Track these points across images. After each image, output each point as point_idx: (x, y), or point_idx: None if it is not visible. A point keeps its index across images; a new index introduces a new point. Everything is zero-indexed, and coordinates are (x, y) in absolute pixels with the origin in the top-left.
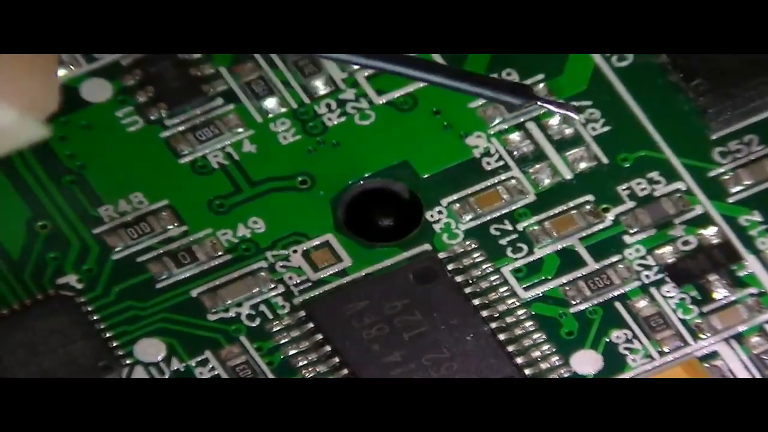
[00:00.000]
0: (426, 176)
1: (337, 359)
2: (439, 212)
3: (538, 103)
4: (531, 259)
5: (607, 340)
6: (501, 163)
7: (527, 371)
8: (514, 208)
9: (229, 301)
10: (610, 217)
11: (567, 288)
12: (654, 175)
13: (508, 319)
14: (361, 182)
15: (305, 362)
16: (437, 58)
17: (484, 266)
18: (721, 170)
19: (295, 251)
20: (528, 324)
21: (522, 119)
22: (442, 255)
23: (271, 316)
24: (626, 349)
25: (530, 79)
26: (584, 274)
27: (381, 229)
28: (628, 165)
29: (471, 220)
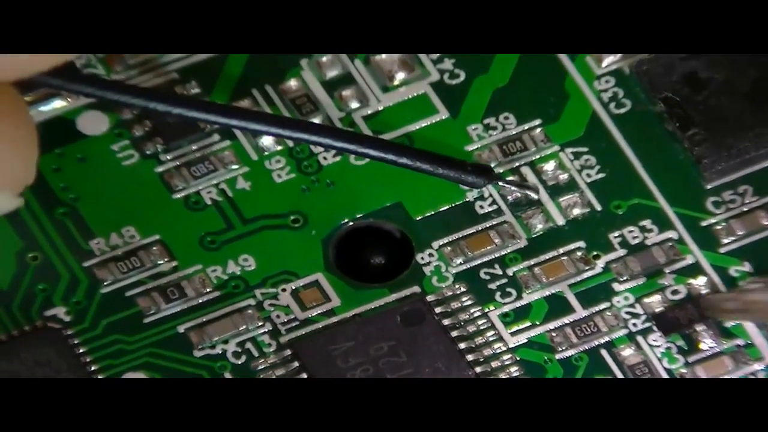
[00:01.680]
0: (419, 218)
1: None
2: (430, 255)
3: (499, 183)
4: (519, 304)
5: None
6: (494, 207)
7: None
8: (504, 252)
9: (216, 338)
10: (600, 264)
11: (554, 334)
12: (647, 223)
13: (494, 364)
14: (353, 222)
15: None
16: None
17: (472, 310)
18: (714, 220)
19: (284, 290)
20: (513, 369)
21: (517, 164)
22: (430, 298)
23: (257, 354)
24: None
25: (527, 124)
26: (572, 320)
27: (371, 269)
28: (621, 212)
29: (461, 263)
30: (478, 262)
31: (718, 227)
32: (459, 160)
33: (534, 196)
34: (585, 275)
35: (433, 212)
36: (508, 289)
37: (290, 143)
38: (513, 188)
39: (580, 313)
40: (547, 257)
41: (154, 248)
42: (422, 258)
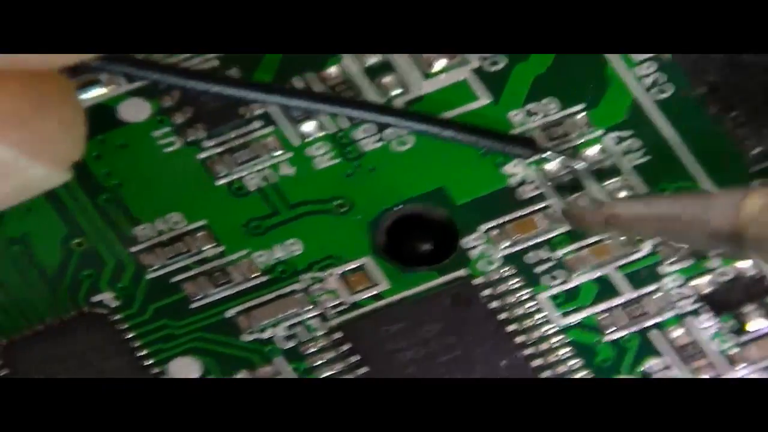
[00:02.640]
0: (462, 203)
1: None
2: (476, 239)
3: (544, 155)
4: (568, 286)
5: (642, 368)
6: (538, 191)
7: None
8: (551, 235)
9: (265, 322)
10: (647, 246)
11: (603, 316)
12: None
13: (543, 346)
14: (400, 207)
15: None
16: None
17: (520, 293)
18: None
19: (331, 274)
20: (563, 351)
21: (560, 149)
22: (477, 281)
23: (306, 338)
24: (661, 377)
25: (569, 109)
26: (621, 302)
27: (418, 254)
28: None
29: (508, 246)
30: (525, 245)
31: None
32: (502, 132)
33: (577, 164)
34: (633, 257)
35: (476, 197)
36: (556, 272)
37: (333, 129)
38: (557, 155)
39: (629, 294)
40: (594, 240)
41: (200, 234)
42: (468, 242)
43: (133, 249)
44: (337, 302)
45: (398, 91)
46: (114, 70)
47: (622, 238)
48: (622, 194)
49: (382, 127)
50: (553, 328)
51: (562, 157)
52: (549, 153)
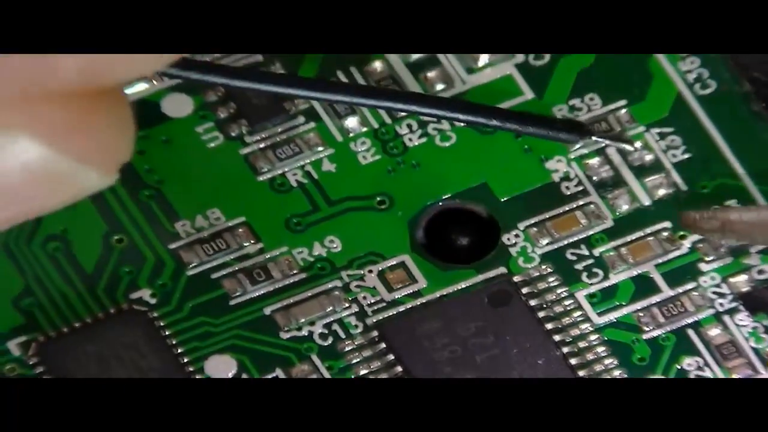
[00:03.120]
0: (504, 199)
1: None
2: (516, 236)
3: (593, 138)
4: (606, 284)
5: (679, 367)
6: (580, 188)
7: None
8: (591, 233)
9: (302, 320)
10: (686, 244)
11: (641, 314)
12: (732, 203)
13: (581, 344)
14: (440, 203)
15: None
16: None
17: (558, 291)
18: None
19: (370, 271)
20: (600, 349)
21: (602, 144)
22: (517, 278)
23: (343, 336)
24: (697, 376)
25: (612, 105)
26: (659, 300)
27: (457, 249)
28: (707, 192)
29: (547, 244)
30: (565, 242)
31: None
32: (549, 117)
33: (629, 147)
34: (671, 255)
35: (518, 193)
36: (595, 270)
37: (375, 125)
38: (608, 142)
39: (667, 293)
40: (634, 237)
41: (240, 230)
42: (508, 239)
43: (173, 245)
44: (375, 300)
45: (442, 86)
46: (176, 75)
47: (737, 243)
48: (662, 191)
49: (425, 122)
50: (591, 326)
51: (610, 141)
52: (596, 138)
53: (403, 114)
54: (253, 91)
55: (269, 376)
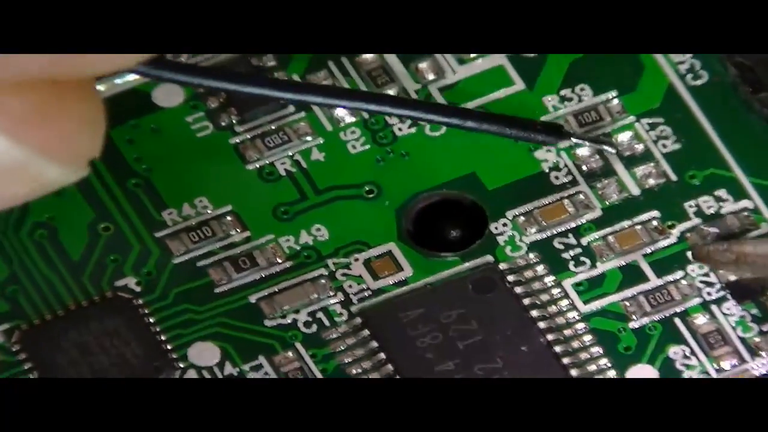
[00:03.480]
0: (493, 188)
1: (390, 367)
2: (504, 224)
3: (572, 139)
4: (593, 273)
5: (665, 356)
6: (569, 177)
7: None
8: (579, 222)
9: (287, 307)
10: (675, 233)
11: (628, 303)
12: (722, 193)
13: (566, 332)
14: (428, 192)
15: (359, 370)
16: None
17: (545, 279)
18: None
19: (356, 259)
20: (586, 338)
21: (593, 134)
22: (503, 266)
23: (328, 324)
24: (683, 365)
25: (603, 95)
26: (646, 289)
27: (445, 239)
28: (696, 182)
29: (535, 233)
30: (553, 232)
31: None
32: (528, 120)
33: (610, 150)
34: (659, 245)
35: (507, 183)
36: (582, 259)
37: (365, 115)
38: (587, 143)
39: (654, 282)
40: (622, 227)
41: (227, 219)
42: (496, 228)
43: (160, 234)
44: (361, 288)
45: (433, 76)
46: (139, 72)
47: (753, 276)
48: (652, 181)
49: None
50: (577, 314)
51: (588, 143)
52: (575, 140)
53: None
54: (225, 91)
55: (252, 365)
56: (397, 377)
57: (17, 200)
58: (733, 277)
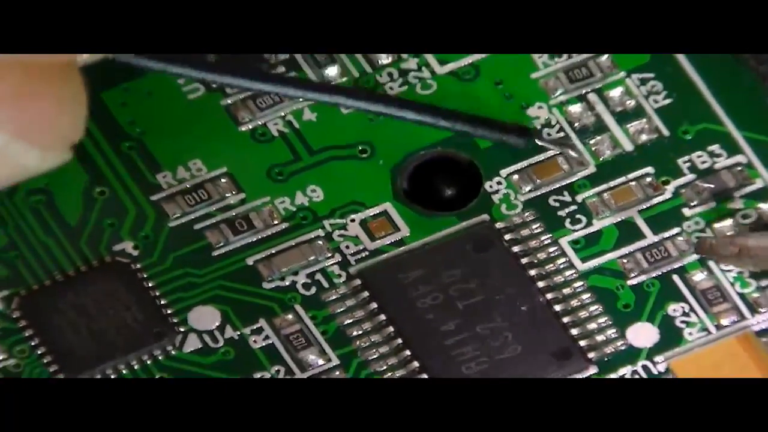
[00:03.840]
0: (486, 146)
1: (391, 329)
2: (498, 183)
3: (539, 143)
4: (589, 230)
5: (664, 313)
6: (561, 134)
7: (582, 343)
8: (573, 179)
9: (285, 269)
10: (669, 189)
11: (625, 260)
12: (715, 148)
13: (565, 291)
14: (423, 151)
15: (359, 332)
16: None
17: (542, 237)
18: None
19: (352, 220)
20: (585, 296)
21: (584, 91)
22: (499, 225)
23: (326, 285)
24: (683, 322)
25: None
26: (643, 246)
27: (441, 199)
28: (689, 138)
29: (530, 191)
30: (547, 189)
31: None
32: (499, 122)
33: (573, 154)
34: (654, 201)
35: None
36: (578, 216)
37: (356, 73)
38: (552, 147)
39: (651, 238)
40: (616, 183)
41: (222, 181)
42: (491, 186)
43: (155, 197)
44: (358, 249)
45: None
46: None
47: (755, 269)
48: (644, 137)
49: (405, 71)
50: (575, 272)
51: (556, 149)
52: (543, 143)
53: (385, 62)
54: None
55: (252, 328)
56: (400, 340)
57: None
58: (746, 266)
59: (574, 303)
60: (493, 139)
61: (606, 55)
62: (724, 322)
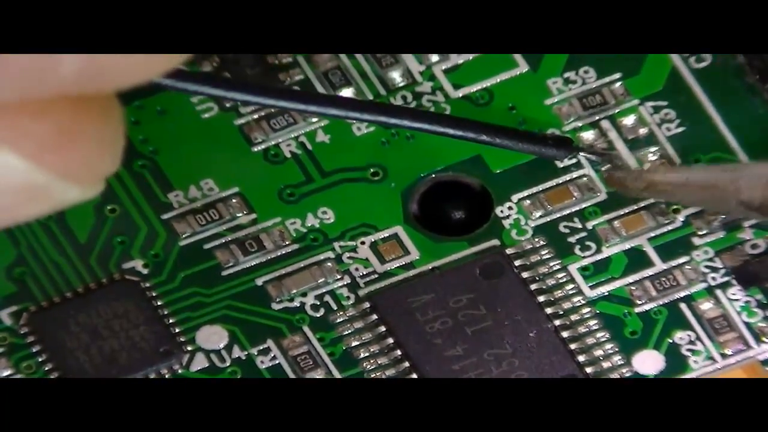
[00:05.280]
0: (498, 171)
1: (398, 352)
2: (509, 208)
3: (580, 154)
4: (599, 257)
5: (671, 341)
6: (574, 160)
7: (588, 369)
8: (584, 206)
9: (294, 291)
10: (680, 218)
11: (633, 288)
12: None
13: (573, 317)
14: (434, 175)
15: (366, 354)
16: (518, 58)
17: (551, 263)
18: None
19: (363, 243)
20: (592, 322)
21: (597, 117)
22: (509, 251)
23: (335, 307)
24: (689, 350)
25: (607, 78)
26: (651, 274)
27: (451, 223)
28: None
29: (540, 216)
30: (558, 215)
31: None
32: (540, 134)
33: (617, 162)
34: (664, 229)
35: (512, 166)
36: (588, 243)
37: (370, 96)
38: (594, 157)
39: (660, 266)
40: (627, 211)
41: (233, 201)
42: (501, 211)
43: (166, 216)
44: (368, 271)
45: (437, 58)
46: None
47: (660, 204)
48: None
49: (419, 94)
50: (583, 299)
51: (598, 159)
52: (583, 154)
53: (399, 85)
54: (245, 103)
55: (260, 348)
56: (407, 364)
57: (32, 218)
58: (654, 197)
59: (582, 329)
60: (535, 152)
61: (619, 83)
62: (729, 351)
